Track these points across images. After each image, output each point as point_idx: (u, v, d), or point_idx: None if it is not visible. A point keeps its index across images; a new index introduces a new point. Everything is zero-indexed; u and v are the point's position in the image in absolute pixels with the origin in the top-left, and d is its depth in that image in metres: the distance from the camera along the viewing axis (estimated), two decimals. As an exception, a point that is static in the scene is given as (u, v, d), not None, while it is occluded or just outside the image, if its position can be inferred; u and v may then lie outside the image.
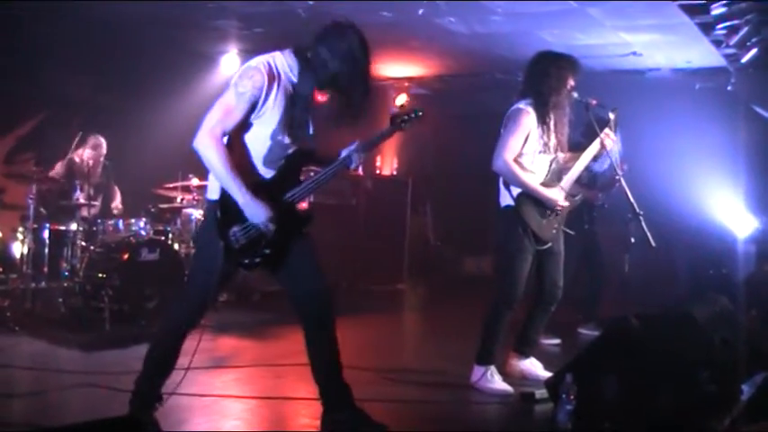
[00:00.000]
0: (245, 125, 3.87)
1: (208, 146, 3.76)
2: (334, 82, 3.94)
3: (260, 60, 3.89)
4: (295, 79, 3.93)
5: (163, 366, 4.12)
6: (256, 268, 4.07)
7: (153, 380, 4.11)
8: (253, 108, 3.82)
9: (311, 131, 4.15)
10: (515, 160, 5.25)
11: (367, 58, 3.96)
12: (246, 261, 3.97)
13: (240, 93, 3.79)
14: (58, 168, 7.90)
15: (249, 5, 7.41)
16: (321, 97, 4.03)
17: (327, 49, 3.90)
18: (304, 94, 3.94)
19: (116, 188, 8.45)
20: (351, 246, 9.78)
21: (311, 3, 7.21)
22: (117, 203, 8.39)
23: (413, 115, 4.23)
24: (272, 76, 3.84)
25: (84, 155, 7.97)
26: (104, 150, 8.13)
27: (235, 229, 3.88)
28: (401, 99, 11.15)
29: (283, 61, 3.93)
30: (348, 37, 3.94)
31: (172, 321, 4.20)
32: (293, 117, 3.94)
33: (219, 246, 3.87)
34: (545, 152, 5.35)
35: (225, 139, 3.84)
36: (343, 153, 4.11)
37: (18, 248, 7.40)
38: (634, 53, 8.57)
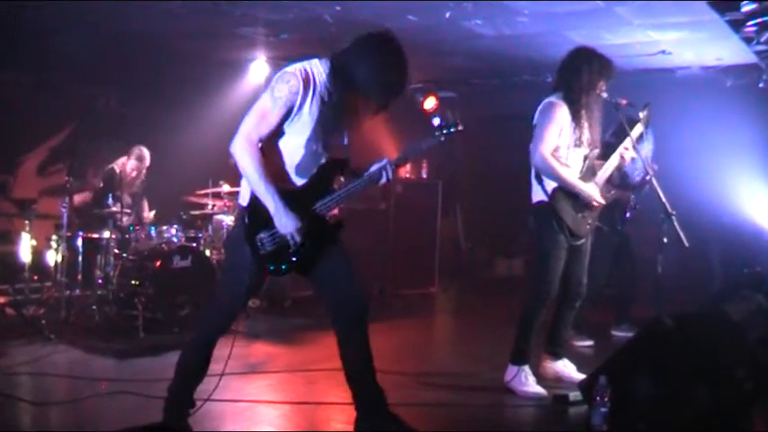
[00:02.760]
0: (279, 132, 3.87)
1: (244, 150, 3.77)
2: (365, 89, 3.89)
3: (297, 66, 3.89)
4: (330, 87, 3.91)
5: (195, 373, 4.14)
6: (284, 274, 4.07)
7: (186, 386, 4.13)
8: (288, 113, 3.82)
9: (345, 141, 4.16)
10: (552, 155, 5.23)
11: (400, 68, 3.90)
12: (273, 267, 3.97)
13: (276, 97, 3.79)
14: (95, 180, 7.96)
15: (275, 12, 7.42)
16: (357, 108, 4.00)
17: (360, 57, 3.87)
18: (338, 102, 3.92)
19: (145, 200, 8.52)
20: (381, 250, 9.77)
21: (338, 8, 7.22)
22: (148, 214, 8.44)
23: (452, 129, 4.16)
24: (308, 82, 3.83)
25: (127, 165, 8.04)
26: (148, 162, 8.19)
27: (262, 235, 3.88)
28: (430, 102, 11.14)
29: (320, 68, 3.92)
30: (382, 45, 3.88)
31: (203, 328, 4.22)
32: (327, 126, 3.93)
33: (246, 251, 3.89)
34: (579, 146, 5.34)
35: (260, 145, 3.86)
36: (374, 168, 4.08)
37: (52, 257, 7.48)
38: (663, 51, 8.49)
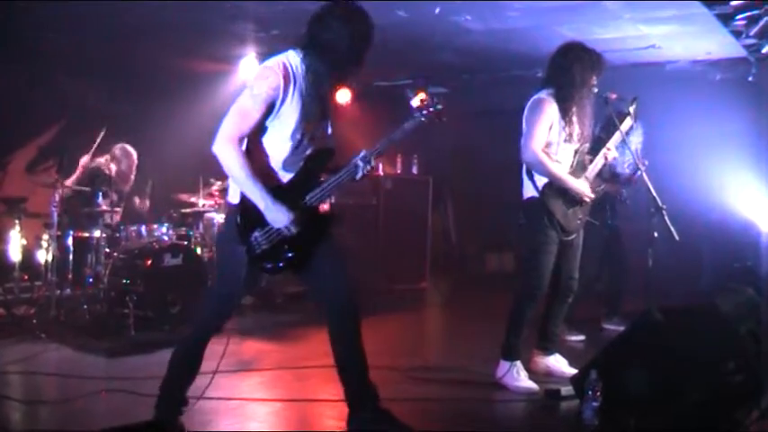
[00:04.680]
0: (262, 128, 3.85)
1: (226, 150, 3.74)
2: (327, 54, 3.85)
3: (274, 61, 3.86)
4: (307, 73, 3.87)
5: (188, 371, 4.13)
6: (281, 272, 4.07)
7: (178, 384, 4.12)
8: (270, 110, 3.79)
9: (329, 131, 4.14)
10: (543, 150, 5.24)
11: (356, 24, 3.89)
12: (270, 266, 3.95)
13: (256, 95, 3.76)
14: (78, 175, 7.87)
15: (265, 6, 7.40)
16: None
17: (317, 29, 3.88)
18: (318, 89, 3.88)
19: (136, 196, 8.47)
20: (372, 246, 9.77)
21: (324, 2, 7.19)
22: (143, 202, 8.38)
23: (431, 108, 4.13)
24: (288, 75, 3.80)
25: (121, 166, 7.97)
26: (135, 158, 8.13)
27: (256, 234, 3.86)
28: (419, 98, 11.11)
29: (296, 59, 3.90)
30: (332, 10, 3.91)
31: (197, 327, 4.19)
32: (310, 115, 3.90)
33: (241, 251, 3.86)
34: (569, 141, 5.34)
35: (244, 143, 3.84)
36: (361, 154, 4.06)
37: (42, 256, 7.45)
38: (653, 45, 8.50)
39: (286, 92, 3.79)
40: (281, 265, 3.96)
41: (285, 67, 3.82)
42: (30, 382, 5.40)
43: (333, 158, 4.13)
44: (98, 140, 7.72)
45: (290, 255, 3.94)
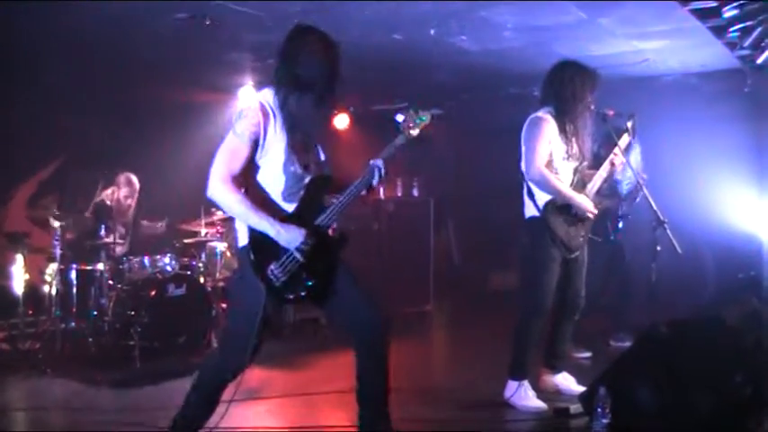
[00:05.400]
0: (254, 168, 3.88)
1: (222, 191, 3.77)
2: (298, 84, 3.87)
3: (251, 100, 3.94)
4: (283, 109, 3.91)
5: (206, 410, 4.09)
6: (303, 301, 4.04)
7: (194, 422, 4.09)
8: (255, 146, 3.83)
9: (322, 157, 4.15)
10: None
11: (321, 49, 3.90)
12: (292, 296, 3.93)
13: (239, 133, 3.81)
14: (85, 213, 7.94)
15: (261, 34, 7.44)
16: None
17: (282, 60, 3.93)
18: (295, 118, 3.90)
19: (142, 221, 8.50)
20: (375, 270, 9.75)
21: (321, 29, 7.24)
22: (161, 224, 8.41)
23: (417, 120, 4.12)
24: (265, 111, 3.85)
25: (119, 194, 8.02)
26: (138, 186, 8.17)
27: (272, 267, 3.84)
28: (416, 112, 11.09)
29: (270, 95, 3.94)
30: (299, 36, 3.94)
31: (218, 370, 4.12)
32: (297, 145, 3.93)
33: (261, 288, 3.83)
34: (568, 159, 5.36)
35: (238, 183, 3.86)
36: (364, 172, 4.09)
37: (46, 290, 7.45)
38: (648, 60, 8.53)
39: (266, 127, 3.83)
40: (303, 294, 3.94)
41: (262, 105, 3.86)
42: (37, 418, 5.39)
43: (332, 183, 4.14)
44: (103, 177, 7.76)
45: (309, 283, 3.93)
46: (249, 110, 3.85)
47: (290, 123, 3.90)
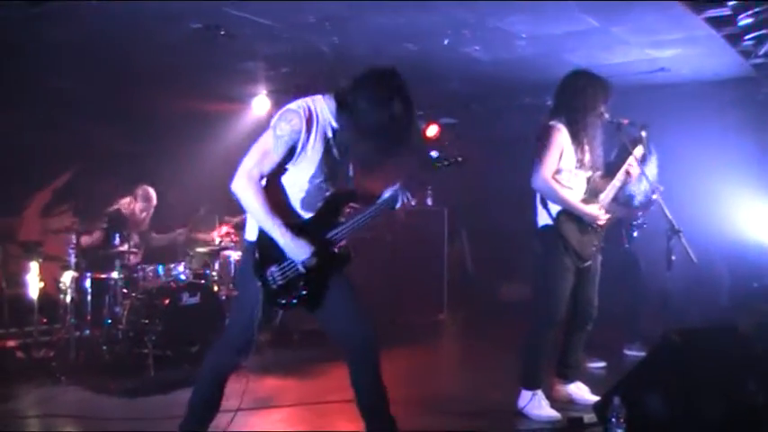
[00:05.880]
0: (282, 169, 3.88)
1: (245, 188, 3.78)
2: (374, 129, 3.78)
3: (299, 104, 3.87)
4: (335, 124, 3.89)
5: (208, 410, 4.13)
6: (294, 308, 4.05)
7: (198, 424, 4.11)
8: (291, 152, 3.82)
9: (351, 173, 4.17)
10: (554, 177, 5.24)
11: (408, 104, 3.81)
12: (284, 301, 3.97)
13: (278, 136, 3.79)
14: (100, 222, 7.99)
15: (274, 46, 7.47)
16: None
17: (367, 97, 3.77)
18: (343, 139, 3.92)
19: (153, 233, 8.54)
20: (389, 279, 9.76)
21: (335, 39, 7.26)
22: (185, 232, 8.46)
23: (452, 160, 4.22)
24: (311, 119, 3.82)
25: (135, 206, 8.10)
26: (155, 201, 8.24)
27: (272, 269, 3.89)
28: (432, 130, 11.12)
29: (323, 105, 3.90)
30: (387, 84, 3.80)
31: (214, 364, 4.19)
32: (331, 161, 3.94)
33: (257, 286, 3.88)
34: (581, 168, 5.35)
35: (263, 182, 3.87)
36: (386, 193, 4.11)
37: (61, 299, 7.48)
38: (661, 69, 8.51)
39: (308, 135, 3.81)
40: (294, 301, 3.97)
41: (309, 111, 3.83)
42: (50, 425, 5.40)
43: (353, 199, 4.17)
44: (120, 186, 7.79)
45: (303, 292, 3.96)
46: (295, 114, 3.81)
47: (331, 140, 3.90)
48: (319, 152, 3.87)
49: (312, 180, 3.92)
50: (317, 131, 3.84)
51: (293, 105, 3.87)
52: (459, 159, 4.23)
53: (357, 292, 4.12)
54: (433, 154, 4.21)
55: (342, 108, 3.87)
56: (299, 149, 3.82)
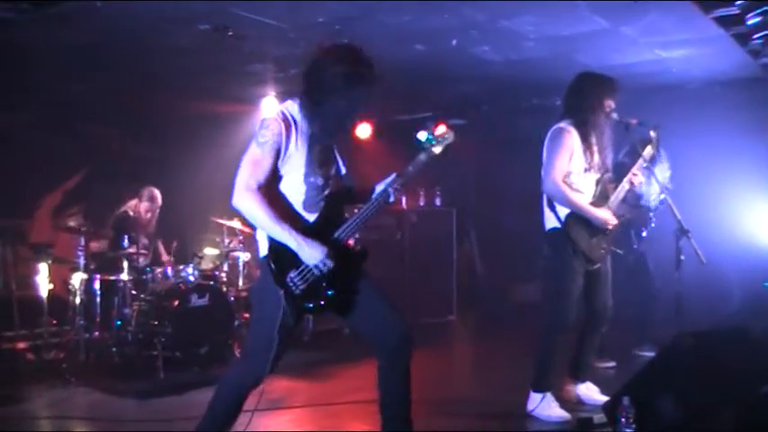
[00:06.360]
0: (276, 177, 3.90)
1: (247, 200, 3.79)
2: (327, 92, 3.87)
3: (273, 111, 3.97)
4: (306, 121, 3.95)
5: (229, 419, 4.10)
6: (324, 310, 4.01)
7: (217, 429, 4.09)
8: (278, 156, 3.85)
9: (343, 170, 4.17)
10: (563, 180, 5.23)
11: (350, 64, 3.89)
12: (311, 305, 3.92)
13: (262, 143, 3.83)
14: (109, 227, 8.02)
15: (283, 48, 7.47)
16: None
17: (308, 75, 3.95)
18: (316, 126, 3.95)
19: (161, 242, 8.57)
20: (398, 280, 9.75)
21: (345, 42, 7.25)
22: (168, 258, 8.45)
23: (440, 139, 4.20)
24: (288, 122, 3.88)
25: (141, 207, 8.16)
26: (160, 202, 8.27)
27: (291, 275, 3.85)
28: (440, 131, 11.09)
29: (293, 106, 3.97)
30: (323, 52, 3.95)
31: (237, 379, 4.12)
32: (319, 157, 3.97)
33: (280, 295, 3.85)
34: (590, 170, 5.34)
35: (261, 193, 3.88)
36: (379, 187, 4.12)
37: (70, 301, 7.50)
38: (671, 69, 8.50)
39: (289, 137, 3.86)
40: (322, 303, 3.93)
41: (284, 115, 3.91)
42: (60, 426, 5.42)
43: (353, 195, 4.18)
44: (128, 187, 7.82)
45: (329, 292, 3.93)
46: (271, 120, 3.88)
47: (311, 136, 3.94)
48: (304, 150, 3.91)
49: (307, 180, 3.93)
50: (296, 131, 3.90)
51: (268, 114, 3.99)
52: (447, 137, 4.23)
53: (381, 289, 4.10)
54: (421, 137, 4.19)
55: (301, 99, 3.96)
56: (284, 151, 3.85)
